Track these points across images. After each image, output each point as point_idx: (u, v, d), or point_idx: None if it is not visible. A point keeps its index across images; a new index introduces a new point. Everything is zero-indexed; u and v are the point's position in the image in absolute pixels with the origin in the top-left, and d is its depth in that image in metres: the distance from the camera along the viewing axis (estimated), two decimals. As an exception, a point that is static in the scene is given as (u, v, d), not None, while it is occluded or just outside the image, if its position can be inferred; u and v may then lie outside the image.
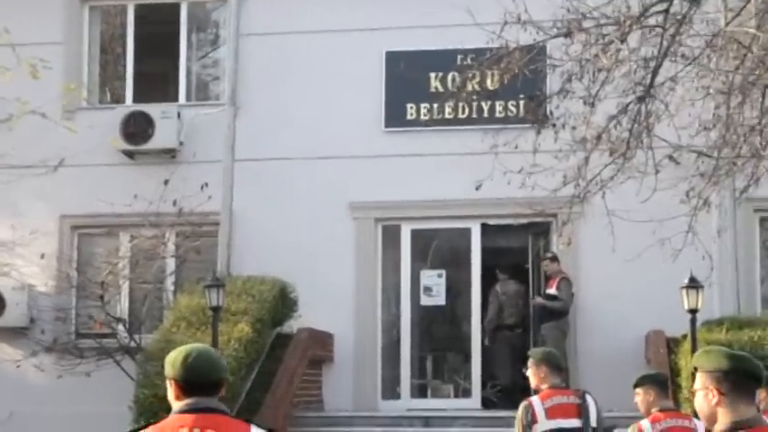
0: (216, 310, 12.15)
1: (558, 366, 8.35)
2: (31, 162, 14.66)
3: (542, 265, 14.68)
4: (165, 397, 11.94)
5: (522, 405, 8.12)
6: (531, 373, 8.31)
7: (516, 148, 10.32)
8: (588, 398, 8.22)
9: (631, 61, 9.68)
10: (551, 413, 8.00)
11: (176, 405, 4.56)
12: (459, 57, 14.82)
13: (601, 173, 9.85)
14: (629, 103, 9.65)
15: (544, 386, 8.21)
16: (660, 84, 9.70)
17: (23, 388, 15.12)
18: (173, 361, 4.58)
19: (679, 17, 9.49)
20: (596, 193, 9.92)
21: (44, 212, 15.55)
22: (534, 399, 8.10)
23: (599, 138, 9.68)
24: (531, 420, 7.97)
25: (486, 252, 15.15)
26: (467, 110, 14.66)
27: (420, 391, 15.40)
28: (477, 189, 11.04)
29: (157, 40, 16.54)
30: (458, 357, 15.47)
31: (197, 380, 4.52)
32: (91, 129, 15.02)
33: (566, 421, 7.99)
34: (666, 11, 9.55)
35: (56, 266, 15.32)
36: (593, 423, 8.09)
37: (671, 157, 10.68)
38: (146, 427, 4.66)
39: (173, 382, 4.58)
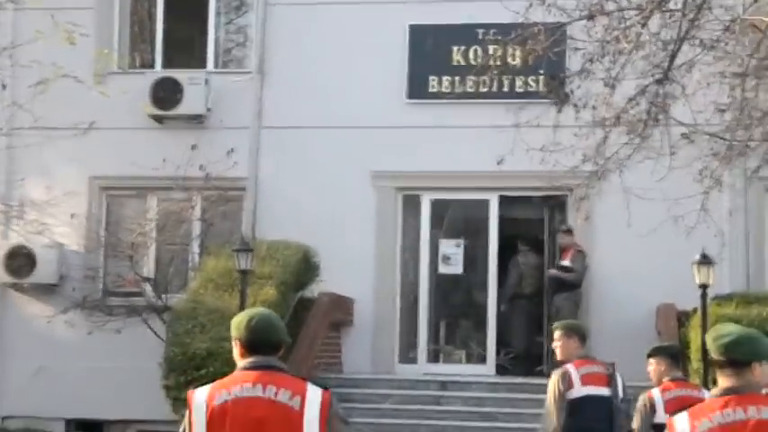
0: (244, 273, 12.57)
1: (584, 338, 8.70)
2: (62, 125, 15.04)
3: (558, 237, 15.07)
4: (193, 355, 12.51)
5: (557, 372, 8.40)
6: (559, 344, 8.58)
7: (538, 125, 10.68)
8: (616, 370, 8.60)
9: (651, 44, 10.02)
10: (585, 380, 8.32)
11: (240, 363, 5.00)
12: (480, 31, 15.21)
13: (618, 152, 10.22)
14: (648, 84, 10.02)
15: (573, 357, 8.53)
16: (678, 66, 10.05)
17: (53, 343, 15.62)
18: (237, 323, 5.02)
19: (698, 2, 9.83)
20: (614, 171, 10.30)
21: (75, 174, 15.98)
22: (569, 366, 8.40)
23: (618, 118, 10.06)
24: (567, 386, 8.27)
25: (503, 223, 15.56)
26: (488, 84, 15.05)
27: (436, 357, 15.85)
28: (498, 164, 11.44)
29: (186, 6, 16.90)
30: (473, 325, 15.89)
31: (259, 341, 4.96)
32: (122, 94, 15.35)
33: (597, 389, 8.33)
34: (686, -4, 9.90)
35: (85, 226, 15.80)
36: (621, 394, 8.46)
37: (684, 135, 11.02)
38: (213, 381, 5.09)
39: (237, 342, 5.01)
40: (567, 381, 8.31)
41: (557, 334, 8.65)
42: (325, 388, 4.98)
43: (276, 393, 4.85)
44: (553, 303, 14.60)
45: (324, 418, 4.86)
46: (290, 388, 4.87)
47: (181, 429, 5.06)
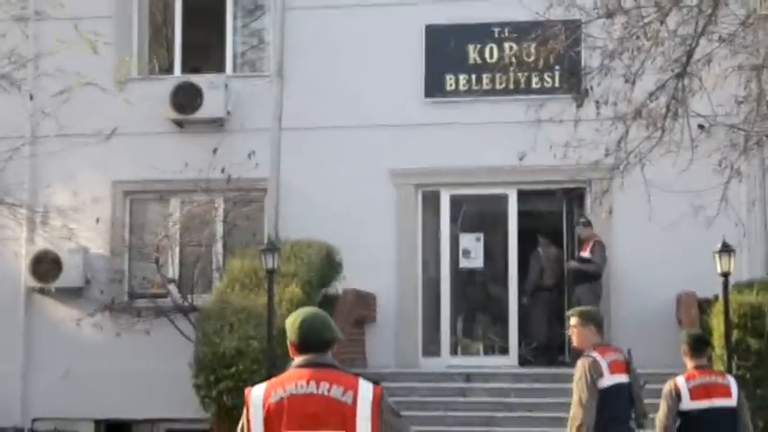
0: (271, 272, 12.79)
1: (600, 324, 8.66)
2: (84, 131, 15.23)
3: (576, 229, 15.28)
4: (222, 354, 12.71)
5: (585, 361, 8.30)
6: (575, 331, 8.53)
7: (561, 121, 10.88)
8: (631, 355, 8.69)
9: (669, 40, 10.22)
10: (613, 368, 8.34)
11: (294, 361, 5.22)
12: (496, 30, 15.53)
13: (639, 146, 10.43)
14: (667, 79, 10.23)
15: (590, 344, 8.57)
16: (696, 61, 10.26)
17: (81, 346, 15.90)
18: (290, 325, 5.24)
19: (714, -2, 10.03)
20: (636, 165, 10.51)
21: (98, 180, 16.26)
22: (596, 354, 8.35)
23: (638, 112, 10.27)
24: (597, 375, 8.24)
25: (522, 217, 15.81)
26: (504, 81, 15.31)
27: (459, 350, 16.11)
28: (520, 159, 11.65)
29: (204, 12, 17.14)
30: (495, 317, 16.15)
31: (311, 340, 5.17)
32: (143, 100, 15.59)
33: (621, 376, 8.42)
34: (702, -8, 10.11)
35: (110, 230, 16.06)
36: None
37: (701, 126, 11.19)
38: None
39: (290, 342, 5.23)
40: (597, 370, 8.27)
41: (573, 321, 8.56)
42: (375, 382, 5.17)
43: (329, 389, 5.05)
44: (574, 294, 14.82)
45: (376, 412, 5.06)
46: (343, 384, 5.07)
47: (239, 426, 5.22)
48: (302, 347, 5.18)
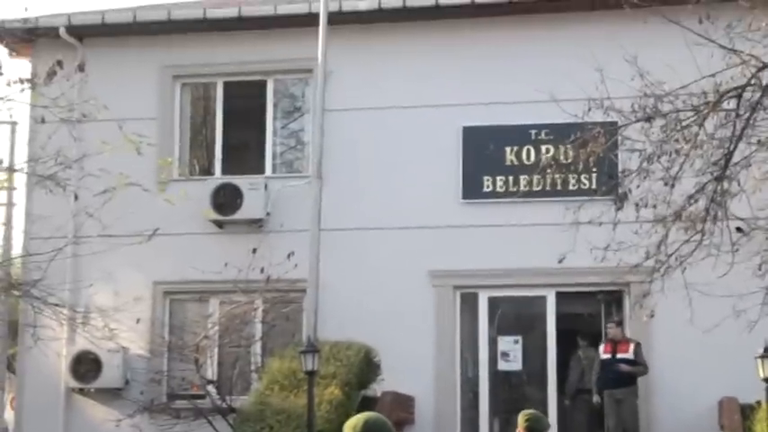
0: (311, 374, 12.79)
1: (537, 429, 8.83)
2: (125, 232, 15.39)
3: (608, 328, 15.06)
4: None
5: None
6: None
7: (600, 224, 10.90)
8: None
9: (708, 143, 10.27)
10: None
11: None
12: (533, 132, 15.65)
13: (679, 249, 10.42)
14: (706, 183, 10.25)
15: None
16: (735, 164, 10.29)
17: (120, 447, 15.88)
18: (353, 426, 5.23)
19: (752, 102, 10.08)
20: (676, 268, 10.48)
21: (139, 279, 16.40)
22: None
23: (678, 216, 10.28)
24: None
25: (560, 318, 15.76)
26: (541, 183, 15.40)
27: (497, 454, 15.96)
28: (559, 262, 11.65)
29: (245, 114, 17.44)
30: (534, 420, 15.95)
31: None
32: (184, 200, 15.74)
33: None
34: (740, 96, 10.17)
35: (150, 330, 16.13)
36: None
37: (739, 229, 11.18)
38: None
39: None
40: None
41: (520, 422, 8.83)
42: None
43: None
44: (615, 397, 14.62)
45: None
46: None
47: None
48: None
